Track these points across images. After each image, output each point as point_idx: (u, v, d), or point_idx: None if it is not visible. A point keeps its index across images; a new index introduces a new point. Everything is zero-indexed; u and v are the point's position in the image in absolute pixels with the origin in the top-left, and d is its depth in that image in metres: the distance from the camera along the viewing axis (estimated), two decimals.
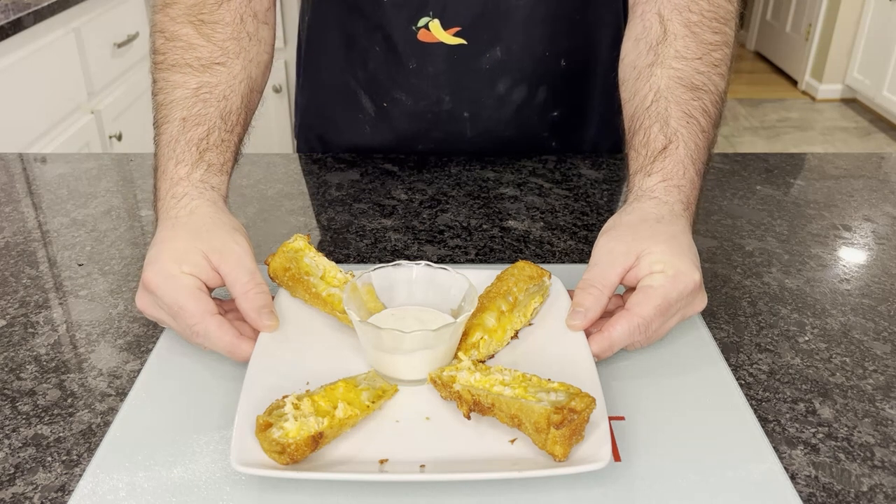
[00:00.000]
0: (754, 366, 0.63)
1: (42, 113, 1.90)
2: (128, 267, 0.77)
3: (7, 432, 0.55)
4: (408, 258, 0.75)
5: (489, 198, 0.91)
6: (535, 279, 0.63)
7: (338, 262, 0.77)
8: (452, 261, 0.78)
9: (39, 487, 0.51)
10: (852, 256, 0.80)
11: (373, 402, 0.53)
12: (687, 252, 0.61)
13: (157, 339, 0.64)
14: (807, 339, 0.67)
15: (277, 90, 2.81)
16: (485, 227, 0.84)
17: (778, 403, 0.59)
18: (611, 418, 0.55)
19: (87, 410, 0.57)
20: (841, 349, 0.65)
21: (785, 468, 0.52)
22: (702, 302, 0.62)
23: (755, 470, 0.51)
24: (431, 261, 0.64)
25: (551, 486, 0.49)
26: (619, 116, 0.76)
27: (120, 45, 2.24)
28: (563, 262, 0.78)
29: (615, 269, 0.61)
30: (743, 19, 5.45)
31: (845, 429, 0.56)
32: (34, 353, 0.64)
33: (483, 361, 0.59)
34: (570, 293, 0.63)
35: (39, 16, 1.84)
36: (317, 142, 1.06)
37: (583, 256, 0.78)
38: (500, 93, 0.94)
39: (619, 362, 0.61)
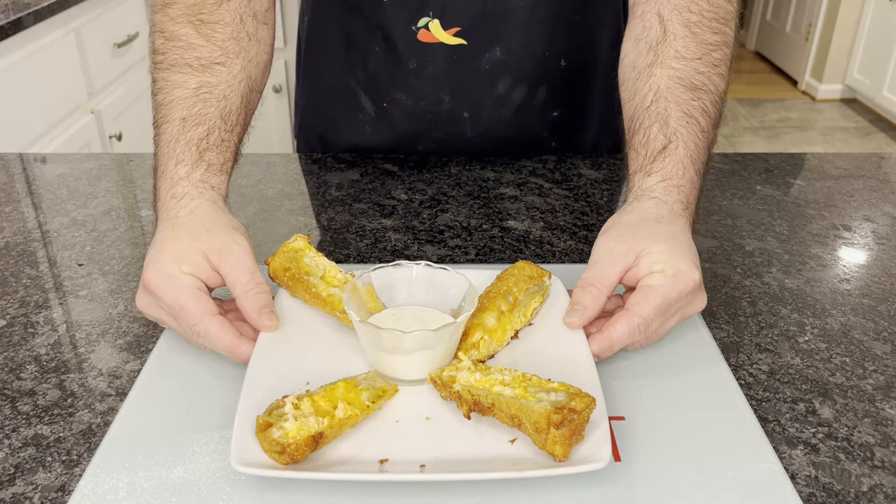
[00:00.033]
0: (754, 366, 0.63)
1: (42, 113, 1.90)
2: (128, 267, 0.77)
3: (7, 432, 0.55)
4: (408, 258, 0.75)
5: (489, 198, 0.91)
6: (535, 279, 0.63)
7: (338, 262, 0.77)
8: (452, 261, 0.78)
9: (39, 487, 0.51)
10: (852, 256, 0.80)
11: (373, 402, 0.53)
12: (687, 252, 0.61)
13: (157, 339, 0.64)
14: (807, 339, 0.67)
15: (277, 90, 2.81)
16: (485, 227, 0.84)
17: (778, 403, 0.59)
18: (611, 418, 0.55)
19: (87, 410, 0.57)
20: (841, 349, 0.65)
21: (785, 468, 0.52)
22: (702, 301, 0.62)
23: (755, 470, 0.51)
24: (431, 261, 0.64)
25: (551, 486, 0.49)
26: (619, 116, 0.76)
27: (120, 45, 2.24)
28: (563, 262, 0.78)
29: (614, 269, 0.61)
30: (743, 19, 5.45)
31: (845, 429, 0.56)
32: (34, 353, 0.64)
33: (483, 361, 0.59)
34: (570, 293, 0.63)
35: (39, 16, 1.85)
36: (317, 142, 1.06)
37: (583, 256, 0.78)
38: (500, 93, 0.94)
39: (619, 362, 0.61)
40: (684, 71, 0.70)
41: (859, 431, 0.56)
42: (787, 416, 0.58)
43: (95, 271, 0.76)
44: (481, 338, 0.58)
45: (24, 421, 0.56)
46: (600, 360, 0.59)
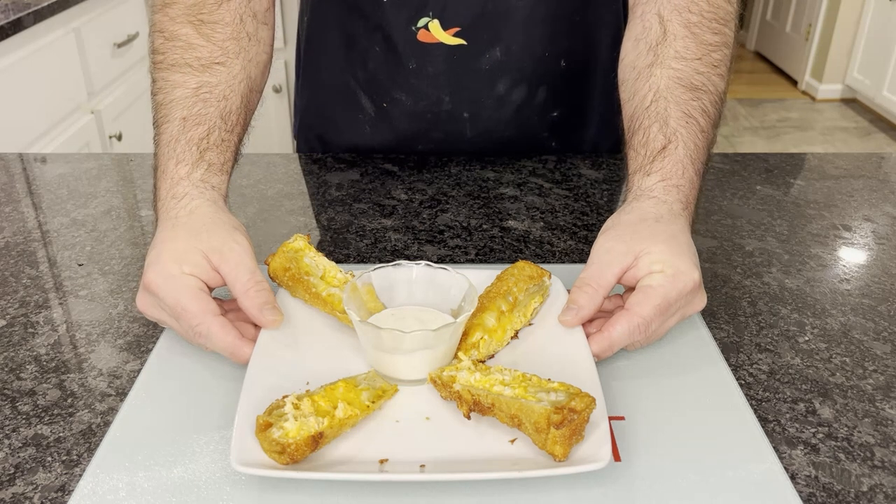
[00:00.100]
0: (754, 366, 0.63)
1: (42, 113, 1.90)
2: (128, 267, 0.77)
3: (7, 432, 0.55)
4: (408, 258, 0.75)
5: (489, 198, 0.91)
6: (535, 279, 0.63)
7: (338, 262, 0.77)
8: (452, 261, 0.78)
9: (39, 487, 0.51)
10: (852, 256, 0.80)
11: (373, 402, 0.53)
12: (686, 251, 0.61)
13: (157, 339, 0.64)
14: (807, 339, 0.67)
15: (277, 90, 2.81)
16: (485, 227, 0.84)
17: (778, 403, 0.59)
18: (611, 418, 0.55)
19: (87, 410, 0.57)
20: (841, 349, 0.65)
21: (785, 468, 0.52)
22: (701, 301, 0.62)
23: (755, 470, 0.51)
24: (431, 261, 0.64)
25: (551, 486, 0.49)
26: (618, 116, 0.76)
27: (120, 45, 2.24)
28: (563, 262, 0.78)
29: (612, 269, 0.61)
30: (743, 19, 5.45)
31: (845, 429, 0.56)
32: (34, 353, 0.64)
33: (483, 361, 0.59)
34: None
35: (39, 16, 1.85)
36: (317, 142, 1.06)
37: (583, 256, 0.78)
38: (499, 93, 0.94)
39: (619, 362, 0.61)
40: (684, 71, 0.70)
41: (859, 431, 0.56)
42: (787, 416, 0.58)
43: (95, 271, 0.76)
44: (481, 338, 0.58)
45: (24, 421, 0.56)
46: (600, 360, 0.59)
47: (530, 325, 0.63)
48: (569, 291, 0.63)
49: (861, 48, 4.26)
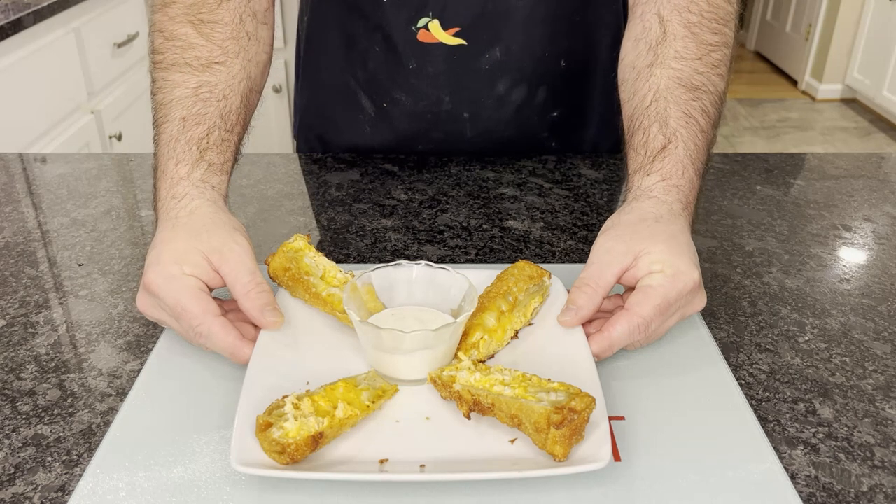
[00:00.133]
0: (754, 366, 0.63)
1: (42, 113, 1.90)
2: (128, 267, 0.77)
3: (7, 432, 0.55)
4: (408, 258, 0.75)
5: (489, 198, 0.91)
6: (535, 279, 0.63)
7: (338, 262, 0.77)
8: (452, 261, 0.78)
9: (39, 487, 0.51)
10: (852, 256, 0.80)
11: (373, 402, 0.53)
12: (686, 251, 0.61)
13: (157, 339, 0.64)
14: (807, 339, 0.67)
15: (277, 90, 2.81)
16: (485, 227, 0.84)
17: (778, 403, 0.59)
18: (611, 418, 0.55)
19: (87, 410, 0.57)
20: (841, 349, 0.65)
21: (785, 468, 0.52)
22: (701, 301, 0.62)
23: (755, 470, 0.51)
24: (431, 261, 0.64)
25: (551, 486, 0.49)
26: (618, 116, 0.76)
27: (120, 45, 2.24)
28: (563, 262, 0.78)
29: (611, 269, 0.61)
30: (743, 19, 5.45)
31: (845, 429, 0.56)
32: (34, 353, 0.64)
33: (483, 361, 0.59)
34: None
35: (39, 16, 1.85)
36: (317, 142, 1.06)
37: (583, 256, 0.78)
38: (499, 93, 0.94)
39: (619, 362, 0.61)
40: (684, 71, 0.70)
41: (859, 431, 0.56)
42: (787, 416, 0.58)
43: (95, 271, 0.76)
44: (481, 338, 0.58)
45: (24, 421, 0.56)
46: (600, 360, 0.59)
47: (530, 325, 0.63)
48: (569, 291, 0.63)
49: (861, 48, 4.26)
